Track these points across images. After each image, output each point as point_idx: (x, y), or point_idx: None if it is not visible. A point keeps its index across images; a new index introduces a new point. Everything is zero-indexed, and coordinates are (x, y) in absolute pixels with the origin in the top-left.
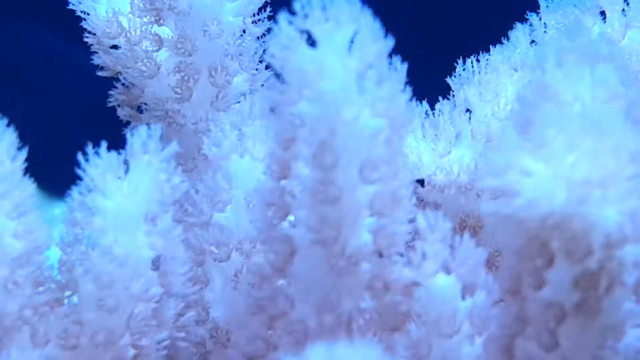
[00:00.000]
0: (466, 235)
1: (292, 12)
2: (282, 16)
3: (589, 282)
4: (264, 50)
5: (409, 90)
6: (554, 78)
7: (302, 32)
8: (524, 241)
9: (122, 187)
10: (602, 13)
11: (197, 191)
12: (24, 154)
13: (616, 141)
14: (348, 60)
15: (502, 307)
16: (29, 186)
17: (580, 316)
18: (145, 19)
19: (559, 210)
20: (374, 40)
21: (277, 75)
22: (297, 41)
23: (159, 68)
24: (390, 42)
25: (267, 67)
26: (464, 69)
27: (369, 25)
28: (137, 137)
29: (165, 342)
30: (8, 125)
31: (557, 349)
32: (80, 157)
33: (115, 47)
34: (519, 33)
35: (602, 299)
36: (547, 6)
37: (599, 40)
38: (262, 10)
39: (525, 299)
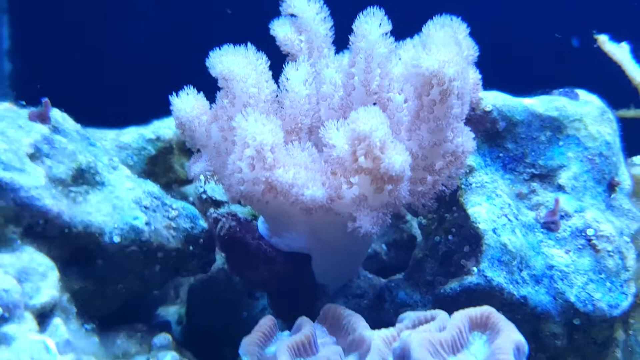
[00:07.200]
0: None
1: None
2: (360, 17)
3: (443, 94)
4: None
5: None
6: (430, 30)
7: (366, 22)
8: (422, 80)
9: (295, 72)
10: None
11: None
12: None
13: (453, 47)
14: (379, 29)
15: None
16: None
17: (440, 100)
18: None
19: (435, 71)
20: (387, 23)
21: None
22: (361, 21)
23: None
24: (390, 24)
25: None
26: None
27: (384, 18)
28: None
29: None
30: None
31: (431, 116)
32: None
33: None
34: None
35: (447, 97)
36: None
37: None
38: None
39: (423, 101)
